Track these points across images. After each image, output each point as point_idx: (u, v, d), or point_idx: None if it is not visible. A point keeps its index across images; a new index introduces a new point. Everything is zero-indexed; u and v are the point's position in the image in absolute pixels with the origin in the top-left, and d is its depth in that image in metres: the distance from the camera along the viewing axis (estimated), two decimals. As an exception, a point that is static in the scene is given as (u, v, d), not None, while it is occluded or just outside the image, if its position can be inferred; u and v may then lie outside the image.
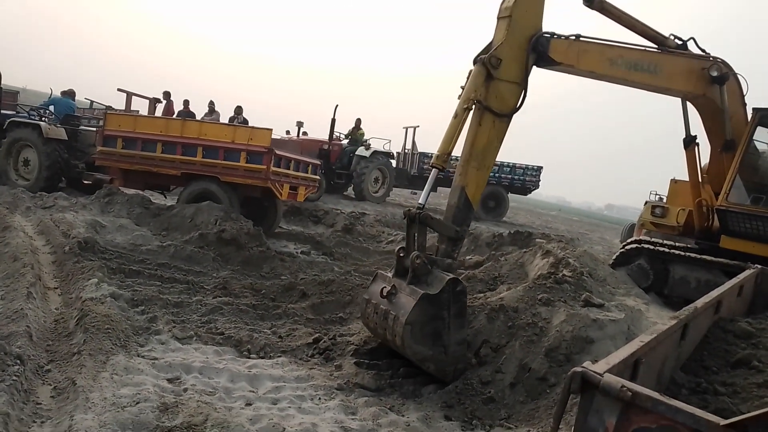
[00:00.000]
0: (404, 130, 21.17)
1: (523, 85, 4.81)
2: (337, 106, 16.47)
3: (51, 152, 10.52)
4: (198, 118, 14.58)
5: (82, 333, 4.13)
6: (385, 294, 4.21)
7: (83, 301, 4.76)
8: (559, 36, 4.99)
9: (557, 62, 5.02)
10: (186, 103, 15.70)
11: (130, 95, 14.12)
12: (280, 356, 4.58)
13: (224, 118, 15.07)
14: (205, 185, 8.58)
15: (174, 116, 15.58)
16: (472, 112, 4.65)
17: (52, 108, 11.86)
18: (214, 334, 4.81)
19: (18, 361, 3.44)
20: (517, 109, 4.83)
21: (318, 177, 10.54)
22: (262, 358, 4.53)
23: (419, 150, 20.75)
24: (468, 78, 4.73)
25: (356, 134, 18.21)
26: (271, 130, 8.62)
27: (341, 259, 8.97)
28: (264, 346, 4.71)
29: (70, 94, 12.76)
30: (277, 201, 9.47)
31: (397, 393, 4.12)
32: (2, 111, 11.31)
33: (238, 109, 15.10)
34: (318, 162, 10.72)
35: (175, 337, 4.59)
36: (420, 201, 4.53)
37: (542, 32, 4.85)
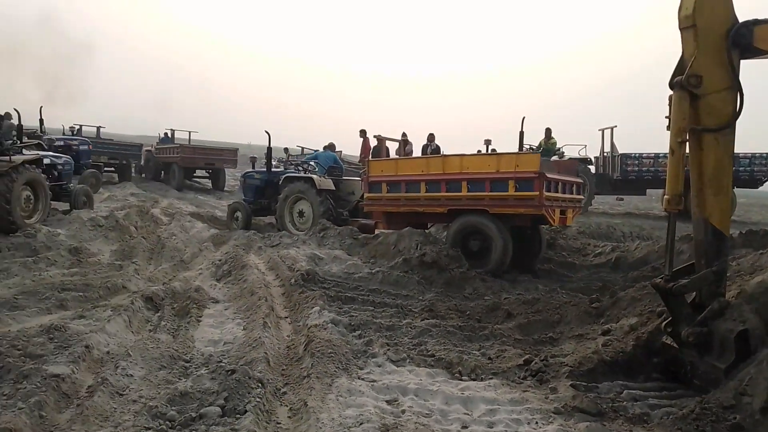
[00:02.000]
0: (600, 132, 19.89)
1: (736, 87, 4.18)
2: (524, 118, 16.09)
3: (323, 202, 11.17)
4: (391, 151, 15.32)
5: (310, 357, 4.55)
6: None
7: (309, 328, 5.26)
8: (764, 21, 4.21)
9: (766, 51, 4.26)
10: (378, 138, 16.61)
11: (382, 140, 15.03)
12: (491, 378, 4.54)
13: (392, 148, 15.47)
14: (474, 219, 8.26)
15: (370, 152, 16.64)
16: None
17: (313, 162, 13.11)
18: (426, 356, 4.94)
19: (259, 384, 3.91)
20: (738, 115, 4.20)
21: (582, 197, 9.85)
22: (474, 380, 4.54)
23: (619, 152, 19.29)
24: (670, 106, 4.25)
25: (548, 144, 17.59)
26: (538, 154, 8.42)
27: (545, 276, 8.67)
28: (474, 367, 4.71)
29: (330, 147, 13.86)
30: (540, 228, 9.01)
31: (622, 418, 3.80)
32: (273, 169, 13.04)
33: (431, 137, 15.52)
34: (581, 180, 9.98)
35: (390, 360, 4.81)
36: (666, 271, 4.27)
37: (739, 23, 4.15)
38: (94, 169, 17.14)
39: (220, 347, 5.00)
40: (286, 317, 6.02)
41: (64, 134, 19.21)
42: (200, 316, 5.87)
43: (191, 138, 25.17)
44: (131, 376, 4.16)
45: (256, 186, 13.13)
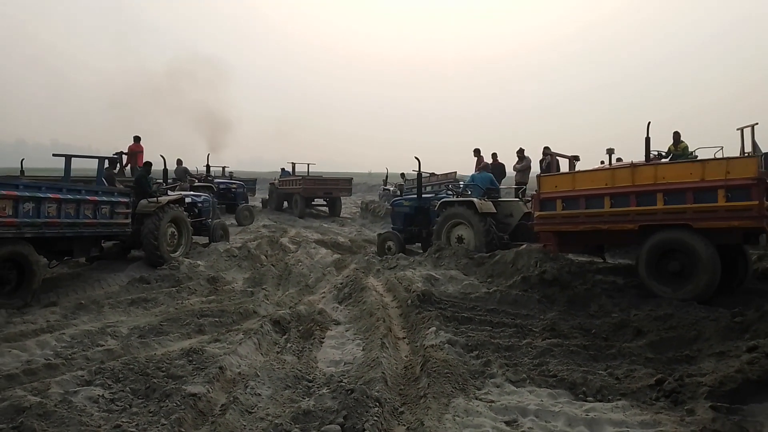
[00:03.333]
0: (738, 131, 18.05)
1: None
2: (649, 123, 15.04)
3: (485, 226, 10.49)
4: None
5: (426, 377, 4.56)
6: None
7: (425, 348, 5.28)
8: None
9: None
10: (494, 156, 16.37)
11: (554, 156, 14.53)
12: (619, 399, 4.27)
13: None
14: (673, 236, 7.25)
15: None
16: None
17: (470, 184, 12.16)
18: (547, 377, 4.76)
19: (377, 404, 3.98)
20: None
21: None
22: (600, 401, 4.29)
23: (762, 151, 17.34)
24: None
25: (678, 149, 16.28)
26: (756, 158, 7.41)
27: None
28: (600, 388, 4.45)
29: (485, 168, 13.08)
30: (745, 249, 7.78)
31: (773, 444, 3.40)
32: (423, 195, 12.65)
33: (546, 149, 15.01)
34: None
35: (509, 380, 4.69)
36: None
37: None
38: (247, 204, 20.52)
39: (340, 367, 5.17)
40: (404, 338, 6.08)
41: (223, 177, 21.49)
42: (323, 338, 6.12)
43: (309, 170, 26.55)
44: (259, 395, 4.43)
45: (405, 213, 12.67)
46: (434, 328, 5.84)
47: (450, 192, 12.60)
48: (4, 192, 6.87)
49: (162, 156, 13.10)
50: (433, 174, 23.18)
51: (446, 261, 9.39)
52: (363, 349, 5.54)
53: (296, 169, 26.31)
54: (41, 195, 7.40)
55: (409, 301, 7.01)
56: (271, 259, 11.37)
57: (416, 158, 12.32)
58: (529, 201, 11.45)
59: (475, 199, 10.81)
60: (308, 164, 26.45)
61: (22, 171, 14.01)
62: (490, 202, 10.99)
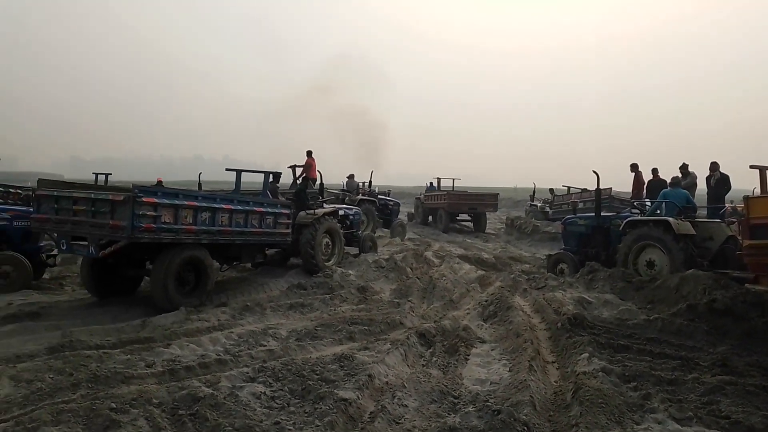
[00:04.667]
0: None
1: None
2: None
3: (683, 249, 9.35)
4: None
5: (578, 406, 4.35)
6: None
7: (577, 375, 5.04)
8: None
9: None
10: (655, 171, 15.24)
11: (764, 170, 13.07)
12: (809, 453, 3.73)
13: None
14: None
15: (645, 186, 15.33)
16: None
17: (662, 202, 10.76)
18: (718, 417, 4.31)
19: (525, 428, 3.88)
20: None
21: None
22: (784, 452, 3.79)
23: None
24: None
25: None
26: None
27: None
28: (785, 437, 3.93)
29: (676, 183, 11.45)
30: None
31: None
32: (602, 213, 11.54)
33: (714, 165, 13.53)
34: None
35: (672, 417, 4.31)
36: None
37: None
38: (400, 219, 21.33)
39: (486, 386, 5.10)
40: (553, 362, 5.85)
41: (378, 193, 22.53)
42: (468, 355, 6.08)
43: (454, 185, 26.61)
44: (406, 406, 4.52)
45: (580, 233, 11.67)
46: (587, 355, 5.55)
47: (635, 210, 11.64)
48: (186, 203, 7.75)
49: (319, 171, 13.97)
50: (585, 190, 22.11)
51: (600, 283, 8.88)
52: (509, 370, 5.43)
53: (441, 184, 26.58)
54: (216, 206, 8.24)
55: (559, 324, 6.74)
56: (416, 271, 11.56)
57: (595, 172, 11.27)
58: (732, 222, 10.23)
59: (670, 219, 9.59)
60: (453, 179, 26.60)
61: (199, 184, 15.71)
62: (688, 223, 9.70)
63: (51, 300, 8.27)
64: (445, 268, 11.97)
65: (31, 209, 9.74)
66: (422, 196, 26.64)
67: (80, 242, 7.58)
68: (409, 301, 8.63)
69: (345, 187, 20.25)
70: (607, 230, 11.18)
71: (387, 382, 4.99)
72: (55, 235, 7.89)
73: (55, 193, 7.70)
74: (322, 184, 14.11)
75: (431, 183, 26.86)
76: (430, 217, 25.46)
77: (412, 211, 28.31)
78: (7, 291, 8.39)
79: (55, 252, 9.90)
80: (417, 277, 10.57)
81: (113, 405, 4.15)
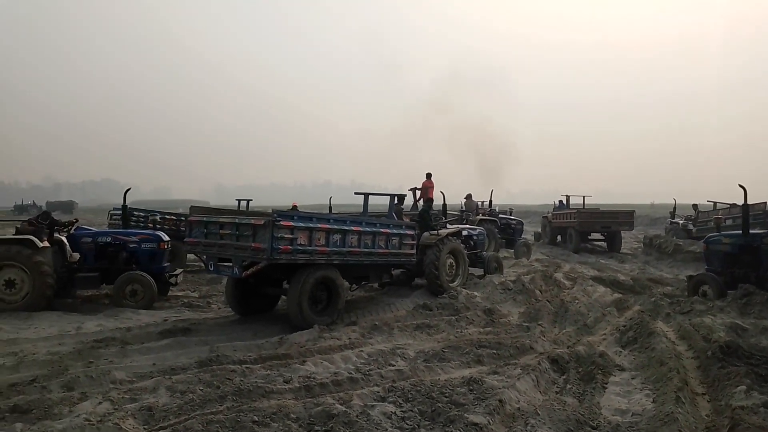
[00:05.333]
0: None
1: None
2: None
3: None
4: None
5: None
6: None
7: (733, 410, 4.56)
8: None
9: None
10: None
11: None
12: None
13: None
14: None
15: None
16: None
17: None
18: None
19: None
20: None
21: None
22: None
23: None
24: None
25: None
26: None
27: None
28: None
29: None
30: None
31: None
32: (751, 231, 10.63)
33: None
34: None
35: None
36: None
37: None
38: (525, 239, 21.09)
39: (627, 418, 4.78)
40: (703, 394, 5.34)
41: (499, 212, 22.32)
42: (605, 383, 5.74)
43: (585, 202, 25.41)
44: (540, 434, 4.35)
45: (726, 253, 10.69)
46: (744, 387, 5.00)
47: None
48: (319, 225, 8.15)
49: (441, 192, 14.01)
50: (733, 205, 20.17)
51: (757, 308, 8.00)
52: (653, 401, 5.03)
53: (571, 201, 25.53)
54: (346, 228, 8.57)
55: (710, 353, 6.14)
56: (546, 294, 11.15)
57: (741, 187, 10.27)
58: None
59: None
60: (584, 196, 25.46)
61: (330, 208, 16.44)
62: None
63: (200, 317, 9.04)
64: (578, 291, 11.44)
65: (158, 233, 10.85)
66: (550, 214, 25.73)
67: (226, 263, 8.22)
68: (539, 324, 8.34)
69: (464, 208, 20.14)
70: (756, 249, 10.03)
71: (519, 408, 4.83)
72: (204, 257, 8.63)
73: (205, 219, 8.45)
74: (444, 205, 14.16)
75: (560, 201, 25.89)
76: (559, 237, 24.50)
77: (539, 230, 27.42)
78: (136, 307, 9.30)
79: (177, 272, 10.91)
80: (547, 300, 10.20)
81: (255, 418, 4.42)
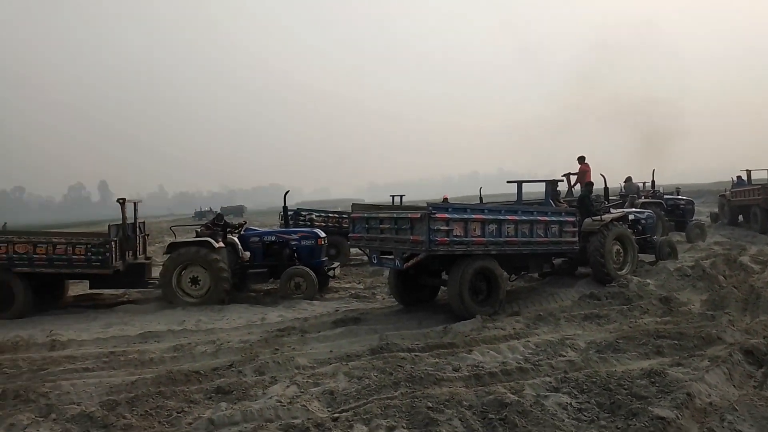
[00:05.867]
0: None
1: None
2: None
3: None
4: None
5: None
6: None
7: None
8: None
9: None
10: None
11: None
12: None
13: None
14: None
15: None
16: None
17: None
18: None
19: None
20: None
21: None
22: None
23: None
24: None
25: None
26: None
27: None
28: None
29: None
30: None
31: None
32: None
33: None
34: None
35: None
36: None
37: None
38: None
39: None
40: None
41: (664, 193, 20.60)
42: (816, 379, 5.06)
43: (778, 175, 22.41)
44: (739, 431, 3.97)
45: None
46: None
47: None
48: (474, 216, 8.14)
49: (602, 175, 13.24)
50: None
51: None
52: None
53: (753, 177, 22.71)
54: (501, 217, 8.46)
55: None
56: (731, 280, 10.04)
57: None
58: None
59: None
60: (768, 170, 22.54)
61: (480, 198, 16.32)
62: None
63: (367, 307, 9.51)
64: (770, 275, 10.17)
65: (315, 230, 11.53)
66: (728, 192, 23.07)
67: (388, 256, 8.55)
68: (726, 313, 7.55)
69: (623, 191, 18.78)
70: None
71: (710, 403, 4.45)
72: (367, 250, 9.05)
73: (366, 215, 8.86)
74: (606, 188, 13.35)
75: (739, 177, 23.13)
76: (741, 217, 21.87)
77: (716, 210, 24.75)
78: (301, 299, 10.04)
79: (335, 265, 11.55)
80: (733, 286, 9.18)
81: (429, 404, 4.56)
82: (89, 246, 9.89)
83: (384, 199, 22.85)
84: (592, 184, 12.02)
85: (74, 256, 9.83)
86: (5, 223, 27.57)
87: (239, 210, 72.74)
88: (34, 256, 9.74)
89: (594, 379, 5.00)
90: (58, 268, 9.87)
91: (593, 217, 10.63)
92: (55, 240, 9.99)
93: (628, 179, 19.51)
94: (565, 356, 5.99)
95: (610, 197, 15.21)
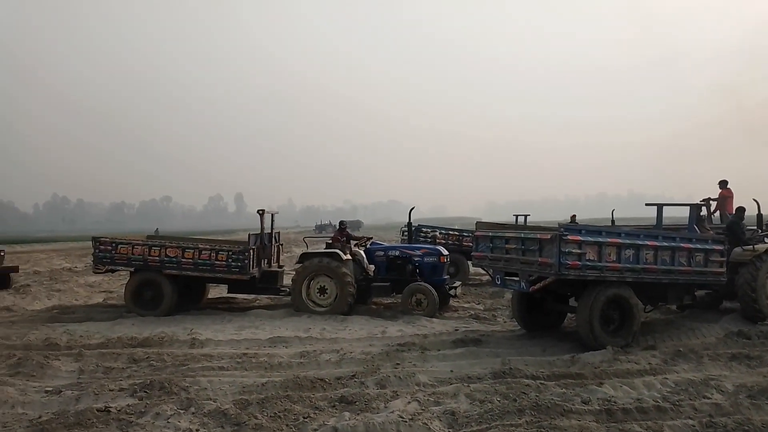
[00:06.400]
0: None
1: None
2: None
3: None
4: None
5: None
6: None
7: None
8: None
9: None
10: None
11: None
12: None
13: None
14: None
15: None
16: None
17: None
18: None
19: None
20: None
21: None
22: None
23: None
24: None
25: None
26: None
27: None
28: None
29: None
30: None
31: None
32: None
33: None
34: None
35: None
36: None
37: None
38: None
39: None
40: None
41: None
42: None
43: None
44: None
45: None
46: None
47: None
48: (609, 240, 7.69)
49: (755, 200, 12.01)
50: None
51: None
52: None
53: None
54: (640, 242, 7.90)
55: None
56: None
57: None
58: None
59: None
60: None
61: (612, 220, 15.44)
62: None
63: (487, 329, 9.32)
64: None
65: (438, 247, 11.47)
66: None
67: (512, 278, 8.33)
68: None
69: None
70: None
71: None
72: (491, 270, 8.88)
73: (491, 234, 8.72)
74: (760, 215, 12.05)
75: None
76: None
77: None
78: (421, 315, 10.00)
79: (457, 284, 11.37)
80: None
81: (557, 436, 4.35)
82: (231, 253, 10.65)
83: (502, 218, 22.37)
84: (743, 209, 10.92)
85: (217, 262, 10.63)
86: (157, 229, 30.52)
87: (356, 225, 74.97)
88: (183, 260, 10.65)
89: (746, 428, 4.52)
90: (203, 272, 10.72)
91: (744, 247, 9.64)
92: (201, 246, 10.88)
93: (739, 210, 17.35)
94: (710, 398, 5.45)
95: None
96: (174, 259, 10.67)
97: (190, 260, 10.64)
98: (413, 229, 16.54)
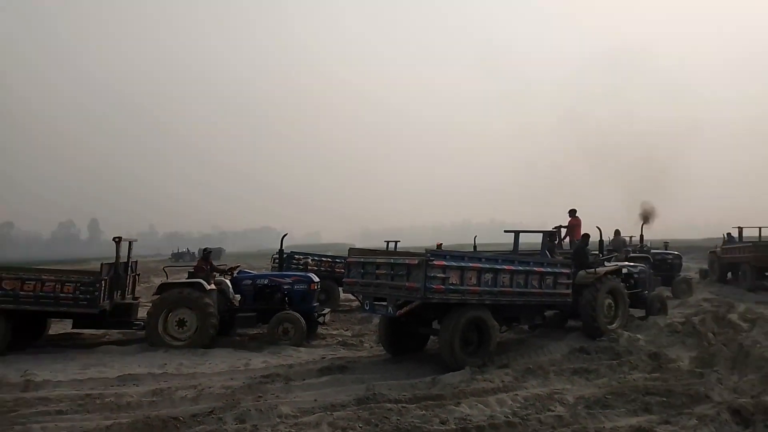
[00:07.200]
0: None
1: None
2: None
3: None
4: None
5: None
6: None
7: None
8: None
9: None
10: None
11: None
12: None
13: None
14: None
15: None
16: None
17: None
18: None
19: None
20: None
21: None
22: None
23: None
24: None
25: None
26: None
27: None
28: None
29: None
30: None
31: None
32: None
33: None
34: None
35: None
36: None
37: None
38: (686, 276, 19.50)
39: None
40: None
41: (652, 247, 20.58)
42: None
43: (761, 234, 22.57)
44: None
45: None
46: None
47: None
48: (471, 264, 8.12)
49: (598, 227, 13.32)
50: None
51: None
52: None
53: (743, 235, 22.92)
54: (498, 267, 8.43)
55: None
56: (720, 337, 10.00)
57: None
58: None
59: None
60: (760, 228, 22.74)
61: (474, 246, 16.33)
62: None
63: (354, 355, 9.36)
64: (758, 334, 10.12)
65: (309, 275, 11.45)
66: (718, 249, 23.21)
67: (381, 303, 8.48)
68: (714, 371, 7.50)
69: (610, 246, 18.81)
70: None
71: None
72: (361, 296, 8.97)
73: (362, 260, 8.84)
74: (601, 241, 13.40)
75: (729, 234, 23.33)
76: (730, 274, 21.99)
77: (706, 267, 24.85)
78: (288, 345, 9.82)
79: (326, 311, 11.36)
80: (722, 344, 9.15)
81: (415, 457, 4.45)
82: (78, 284, 9.71)
83: (375, 244, 22.83)
84: (588, 236, 12.08)
85: (62, 294, 9.62)
86: (-8, 259, 27.15)
87: (218, 252, 72.50)
88: (21, 293, 9.54)
89: (583, 436, 4.92)
90: (44, 306, 9.65)
91: (587, 270, 10.63)
92: (45, 277, 9.80)
93: (617, 232, 19.62)
94: (553, 411, 5.90)
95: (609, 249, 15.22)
96: (10, 292, 9.53)
97: (30, 293, 9.55)
98: (285, 256, 16.27)
